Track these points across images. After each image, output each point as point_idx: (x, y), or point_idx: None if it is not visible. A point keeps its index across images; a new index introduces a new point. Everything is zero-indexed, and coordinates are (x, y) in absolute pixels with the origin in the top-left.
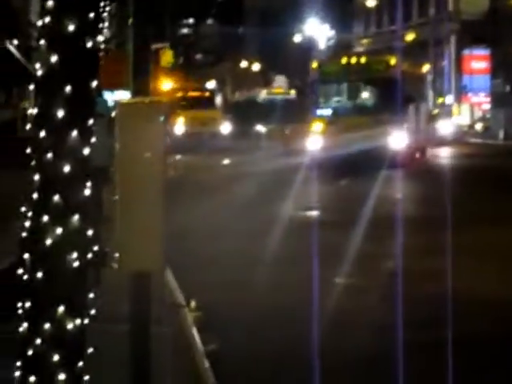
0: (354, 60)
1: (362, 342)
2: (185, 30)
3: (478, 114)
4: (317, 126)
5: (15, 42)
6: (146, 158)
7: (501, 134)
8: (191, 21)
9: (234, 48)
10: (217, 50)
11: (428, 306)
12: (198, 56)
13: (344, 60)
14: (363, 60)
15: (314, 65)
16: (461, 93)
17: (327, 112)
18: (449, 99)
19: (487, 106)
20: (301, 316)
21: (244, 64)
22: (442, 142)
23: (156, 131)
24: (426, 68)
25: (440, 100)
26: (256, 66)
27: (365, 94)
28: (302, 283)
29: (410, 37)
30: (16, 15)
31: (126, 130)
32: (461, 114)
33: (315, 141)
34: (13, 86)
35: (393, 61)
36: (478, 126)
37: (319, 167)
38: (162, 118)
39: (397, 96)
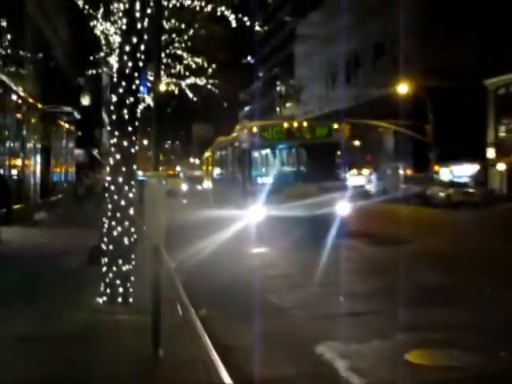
0: (296, 124)
1: None
2: (166, 145)
3: None
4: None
5: (96, 150)
6: (157, 192)
7: None
8: (169, 142)
9: (187, 153)
10: (180, 153)
11: None
12: (172, 156)
13: (286, 124)
14: (305, 124)
15: (254, 129)
16: None
17: (268, 181)
18: None
19: None
20: None
21: (192, 160)
22: None
23: (161, 186)
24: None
25: None
26: (198, 161)
27: (308, 161)
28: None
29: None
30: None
31: (151, 184)
32: None
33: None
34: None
35: (335, 125)
36: None
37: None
38: (164, 180)
39: (342, 162)
